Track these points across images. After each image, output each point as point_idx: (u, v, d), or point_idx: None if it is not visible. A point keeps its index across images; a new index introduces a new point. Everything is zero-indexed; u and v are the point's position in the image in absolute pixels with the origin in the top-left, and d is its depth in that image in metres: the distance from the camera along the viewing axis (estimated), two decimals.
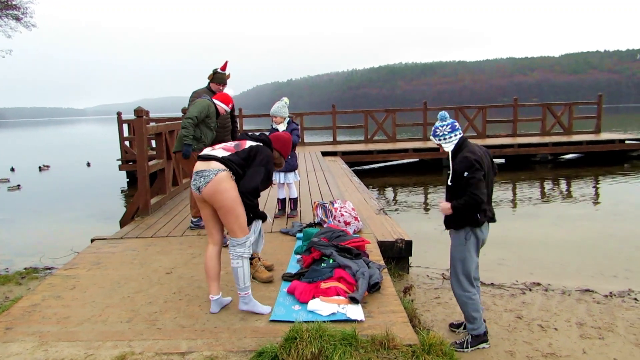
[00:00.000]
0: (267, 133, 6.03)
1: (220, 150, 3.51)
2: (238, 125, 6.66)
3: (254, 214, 3.53)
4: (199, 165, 3.42)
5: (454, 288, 3.90)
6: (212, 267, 3.53)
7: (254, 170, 3.40)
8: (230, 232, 3.42)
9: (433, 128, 3.83)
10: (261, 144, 3.60)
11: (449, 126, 3.74)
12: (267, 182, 3.51)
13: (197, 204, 3.58)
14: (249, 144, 3.57)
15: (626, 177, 13.44)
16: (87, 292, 4.06)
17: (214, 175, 3.30)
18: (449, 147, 3.73)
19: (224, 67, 6.18)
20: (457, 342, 3.88)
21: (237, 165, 3.39)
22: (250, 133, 3.78)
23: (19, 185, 15.13)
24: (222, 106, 5.75)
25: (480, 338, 3.88)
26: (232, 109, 6.24)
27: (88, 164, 21.01)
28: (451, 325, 4.29)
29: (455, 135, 3.73)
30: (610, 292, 5.15)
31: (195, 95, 5.96)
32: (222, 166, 3.35)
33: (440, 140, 3.76)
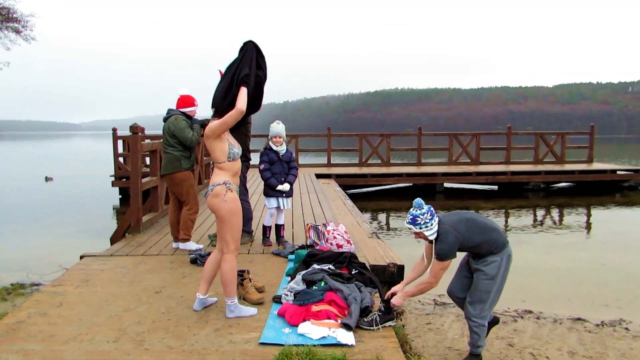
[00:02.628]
0: (262, 151, 5.98)
1: None
2: None
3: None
4: None
5: (478, 319, 3.78)
6: (207, 269, 3.90)
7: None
8: (223, 241, 3.72)
9: (411, 216, 3.66)
10: None
11: (429, 213, 3.64)
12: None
13: None
14: None
15: (618, 207, 13.54)
16: (74, 309, 4.00)
17: (210, 190, 3.70)
18: (432, 236, 3.63)
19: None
20: None
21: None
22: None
23: None
24: (190, 110, 5.75)
25: (480, 357, 3.93)
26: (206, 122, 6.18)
27: (46, 179, 20.07)
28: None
29: (435, 221, 3.64)
30: (602, 322, 5.14)
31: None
32: (217, 180, 3.69)
33: (422, 228, 3.62)
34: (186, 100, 5.77)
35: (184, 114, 5.75)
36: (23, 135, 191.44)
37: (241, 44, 3.95)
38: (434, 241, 3.65)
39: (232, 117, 3.64)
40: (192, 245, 5.82)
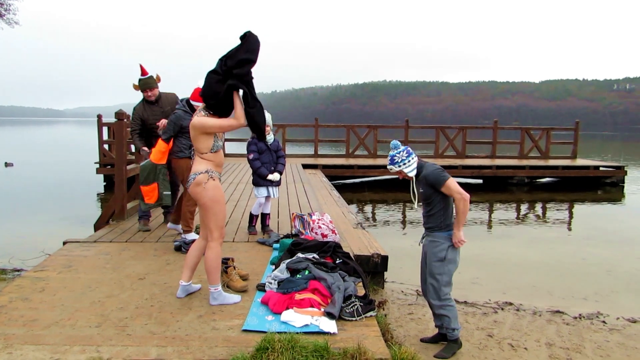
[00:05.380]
0: (250, 140, 5.94)
1: None
2: None
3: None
4: None
5: (439, 301, 3.90)
6: (190, 256, 3.92)
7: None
8: (207, 229, 3.74)
9: (389, 157, 3.87)
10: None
11: (405, 151, 3.84)
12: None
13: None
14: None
15: (599, 202, 13.75)
16: (57, 295, 3.98)
17: (192, 179, 3.69)
18: (412, 172, 3.83)
19: (144, 72, 5.90)
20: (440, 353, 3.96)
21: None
22: None
23: None
24: (196, 104, 5.56)
25: (458, 341, 4.01)
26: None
27: (6, 164, 19.67)
28: (423, 340, 4.31)
29: (413, 159, 3.84)
30: (580, 314, 5.25)
31: (135, 111, 5.95)
32: (199, 169, 3.69)
33: (400, 166, 3.83)
34: (197, 94, 5.65)
35: (190, 105, 5.54)
36: (5, 121, 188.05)
37: (244, 35, 3.64)
38: (413, 178, 3.84)
39: (232, 127, 3.65)
40: (193, 236, 5.71)
